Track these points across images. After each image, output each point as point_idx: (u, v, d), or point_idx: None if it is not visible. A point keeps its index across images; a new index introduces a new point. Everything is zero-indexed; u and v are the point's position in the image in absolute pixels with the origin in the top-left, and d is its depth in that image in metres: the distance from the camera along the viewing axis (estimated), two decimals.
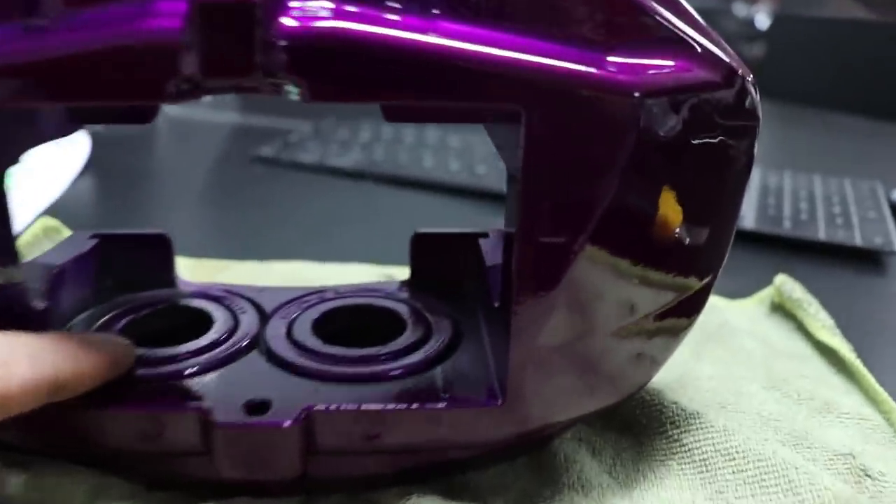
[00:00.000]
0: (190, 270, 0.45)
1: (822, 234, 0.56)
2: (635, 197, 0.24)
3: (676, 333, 0.30)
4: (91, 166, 0.65)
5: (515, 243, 0.23)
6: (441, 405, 0.26)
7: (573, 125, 0.22)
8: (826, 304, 0.44)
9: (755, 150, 0.27)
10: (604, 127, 0.22)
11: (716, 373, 0.37)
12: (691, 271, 0.28)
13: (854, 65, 1.12)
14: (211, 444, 0.25)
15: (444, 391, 0.27)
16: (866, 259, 0.55)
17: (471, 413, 0.26)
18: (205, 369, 0.28)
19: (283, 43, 0.21)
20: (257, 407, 0.25)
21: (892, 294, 0.51)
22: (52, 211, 0.55)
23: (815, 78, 1.21)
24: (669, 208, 0.26)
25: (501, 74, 0.21)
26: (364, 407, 0.25)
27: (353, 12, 0.21)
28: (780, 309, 0.44)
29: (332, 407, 0.25)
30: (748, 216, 0.58)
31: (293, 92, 0.21)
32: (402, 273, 0.45)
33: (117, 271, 0.33)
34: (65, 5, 0.22)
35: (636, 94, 0.22)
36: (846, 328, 0.42)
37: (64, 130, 0.30)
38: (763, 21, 1.66)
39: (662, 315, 0.28)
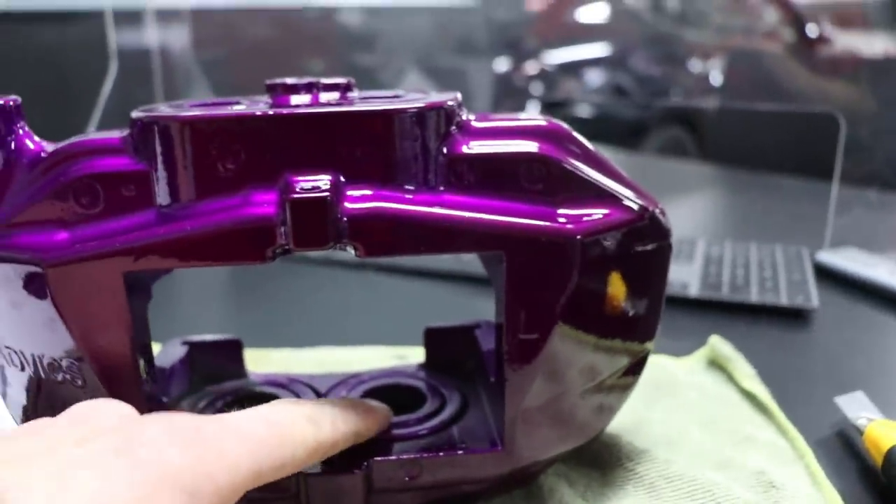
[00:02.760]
0: None
1: (754, 297, 0.67)
2: (588, 295, 0.35)
3: (627, 388, 0.40)
4: None
5: (503, 338, 0.34)
6: (460, 452, 0.37)
7: (538, 260, 0.33)
8: (756, 357, 0.54)
9: (671, 248, 0.38)
10: (558, 259, 0.34)
11: (663, 417, 0.48)
12: (635, 339, 0.38)
13: (788, 134, 1.25)
14: (300, 489, 0.35)
15: (460, 443, 0.38)
16: (791, 316, 0.65)
17: (479, 457, 0.37)
18: None
19: (345, 220, 0.32)
20: (331, 462, 0.36)
21: (811, 345, 0.61)
22: None
23: (759, 142, 1.34)
24: (616, 292, 0.37)
25: (490, 233, 0.33)
26: (406, 456, 0.36)
27: (386, 195, 0.33)
28: (714, 363, 0.55)
29: (384, 458, 0.36)
30: (693, 285, 0.69)
31: (353, 252, 0.32)
32: (411, 352, 0.56)
33: (203, 368, 0.44)
34: (188, 198, 0.33)
35: (578, 237, 0.34)
36: (772, 376, 0.52)
37: (169, 270, 0.40)
38: (716, 77, 1.81)
39: (617, 376, 0.39)
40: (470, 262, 0.76)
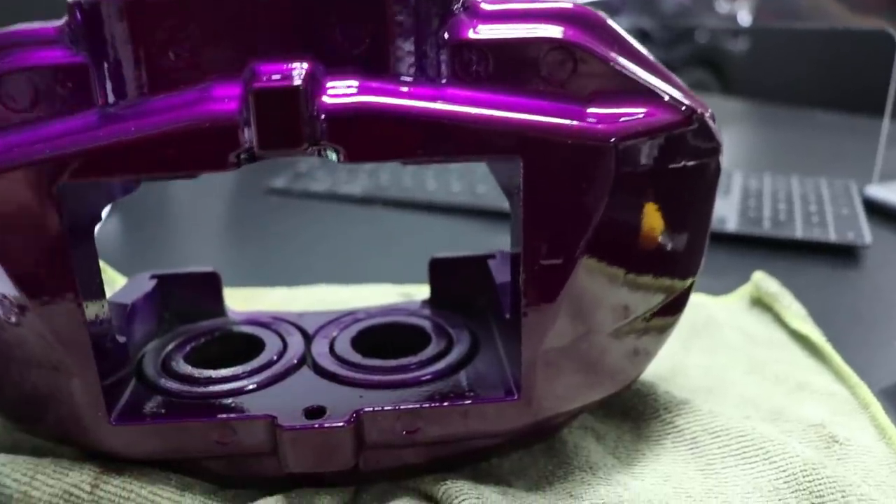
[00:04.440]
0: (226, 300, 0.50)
1: (799, 233, 0.61)
2: (621, 217, 0.29)
3: (664, 330, 0.34)
4: (114, 206, 0.70)
5: (521, 265, 0.28)
6: (468, 401, 0.31)
7: (562, 168, 0.27)
8: (803, 297, 0.49)
9: (720, 168, 0.32)
10: (587, 168, 0.27)
11: (702, 363, 0.42)
12: (675, 274, 0.32)
13: (830, 62, 1.17)
14: (278, 444, 0.30)
15: (469, 390, 0.32)
16: (841, 254, 0.59)
17: (492, 407, 0.31)
18: (264, 384, 0.33)
19: (323, 117, 0.26)
20: (315, 412, 0.30)
21: (864, 285, 0.55)
22: None
23: (795, 75, 1.26)
24: (652, 221, 0.31)
25: (502, 133, 0.26)
26: (403, 406, 0.30)
27: (375, 87, 0.26)
28: (759, 303, 0.49)
29: (377, 408, 0.30)
30: (731, 219, 0.63)
31: (332, 156, 0.26)
32: (418, 290, 0.50)
33: (175, 305, 0.39)
34: (135, 94, 0.27)
35: (612, 140, 0.27)
36: (822, 318, 0.47)
37: (126, 190, 0.35)
38: (745, 17, 1.72)
39: (652, 315, 0.33)
40: (485, 195, 0.70)
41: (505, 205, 0.67)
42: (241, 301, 0.51)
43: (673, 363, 0.42)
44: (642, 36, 2.15)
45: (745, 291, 0.50)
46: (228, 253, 0.66)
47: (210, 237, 0.69)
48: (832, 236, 0.60)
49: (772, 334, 0.46)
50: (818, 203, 0.67)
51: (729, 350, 0.44)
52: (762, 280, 0.49)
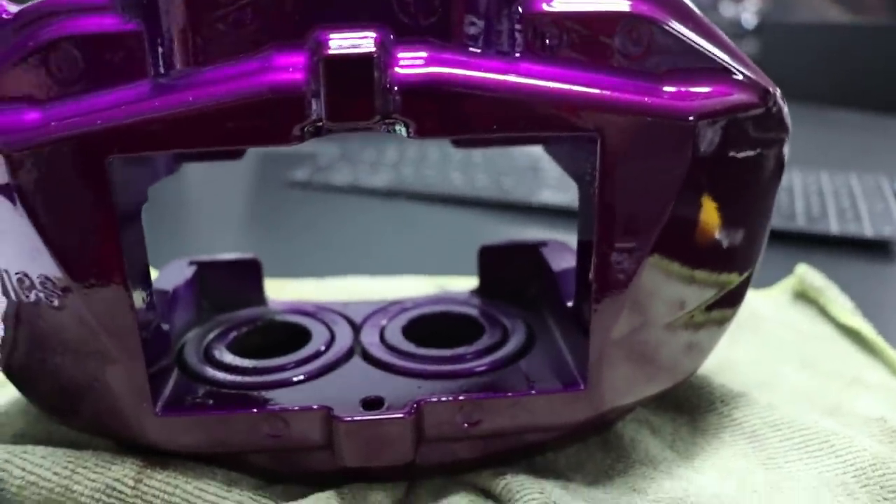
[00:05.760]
0: None
1: (834, 228, 0.59)
2: (687, 205, 0.28)
3: (721, 324, 0.33)
4: None
5: (594, 249, 0.27)
6: (533, 392, 0.29)
7: (640, 146, 0.26)
8: (844, 292, 0.48)
9: (785, 157, 0.31)
10: (665, 147, 0.26)
11: (751, 357, 0.41)
12: (732, 268, 0.31)
13: (846, 61, 1.16)
14: (333, 437, 0.28)
15: (529, 382, 0.30)
16: (877, 249, 0.58)
17: (557, 399, 0.29)
18: (314, 375, 0.32)
19: (395, 88, 0.24)
20: (373, 403, 0.29)
21: None
22: None
23: (809, 75, 1.25)
24: (711, 213, 0.29)
25: (579, 108, 0.25)
26: (465, 397, 0.29)
27: (448, 59, 0.25)
28: (803, 296, 0.48)
29: (439, 399, 0.28)
30: None
31: (402, 131, 0.25)
32: (453, 282, 0.49)
33: (214, 293, 0.37)
34: (191, 64, 0.26)
35: (691, 118, 0.26)
36: (866, 313, 0.45)
37: (172, 169, 0.33)
38: (749, 20, 1.71)
39: (709, 307, 0.32)
40: (512, 188, 0.69)
41: (531, 198, 0.66)
42: (272, 291, 0.49)
43: (720, 358, 0.40)
44: None
45: (788, 285, 0.49)
46: (250, 245, 0.64)
47: (231, 229, 0.68)
48: (868, 231, 0.59)
49: (819, 328, 0.45)
50: (851, 198, 0.66)
51: (777, 344, 0.43)
52: (806, 273, 0.48)
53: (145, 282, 0.29)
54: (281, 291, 0.50)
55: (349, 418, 0.28)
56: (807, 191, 0.67)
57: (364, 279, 0.52)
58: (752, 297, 0.48)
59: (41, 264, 0.27)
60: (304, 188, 0.74)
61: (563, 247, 0.38)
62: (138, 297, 0.28)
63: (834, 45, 1.17)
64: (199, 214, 0.72)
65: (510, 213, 0.66)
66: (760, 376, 0.39)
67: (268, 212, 0.71)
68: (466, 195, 0.69)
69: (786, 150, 0.30)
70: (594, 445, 0.33)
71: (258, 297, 0.38)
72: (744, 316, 0.45)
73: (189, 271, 0.36)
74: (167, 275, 0.36)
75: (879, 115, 1.02)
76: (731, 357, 0.41)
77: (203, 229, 0.68)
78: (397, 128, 0.25)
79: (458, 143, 0.37)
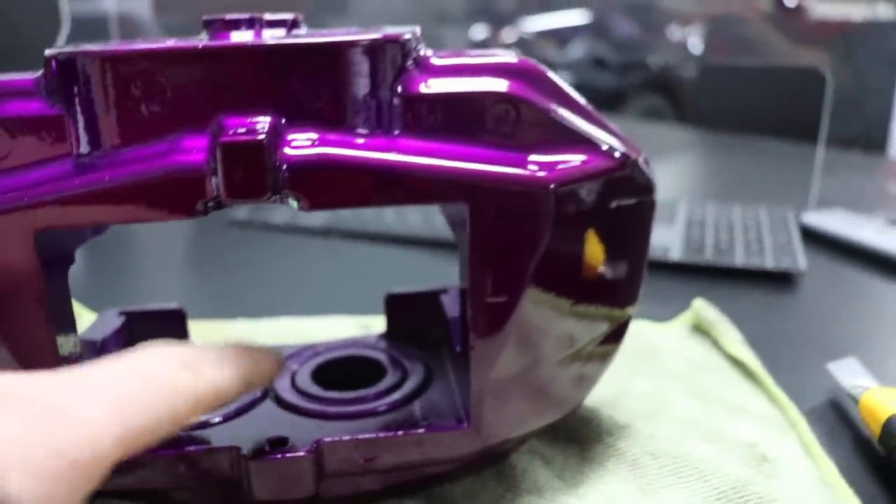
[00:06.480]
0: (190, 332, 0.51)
1: (739, 260, 0.64)
2: (563, 254, 0.31)
3: (607, 357, 0.37)
4: None
5: (468, 302, 0.31)
6: (421, 430, 0.33)
7: (506, 212, 0.29)
8: (742, 322, 0.51)
9: (654, 205, 0.34)
10: (529, 211, 0.30)
11: (645, 388, 0.45)
12: (615, 304, 0.35)
13: (774, 92, 1.21)
14: (243, 474, 0.31)
15: (422, 419, 0.34)
16: (778, 280, 0.62)
17: (445, 435, 0.33)
18: (229, 417, 0.35)
19: (284, 167, 0.28)
20: (277, 442, 0.32)
21: (799, 309, 0.58)
22: None
23: (741, 104, 1.30)
24: (592, 256, 0.33)
25: (450, 181, 0.29)
26: (361, 436, 0.32)
27: (332, 139, 0.29)
28: (699, 329, 0.52)
29: (336, 438, 0.32)
30: (675, 248, 0.66)
31: (294, 204, 0.28)
32: (376, 322, 0.52)
33: (143, 341, 0.40)
34: (109, 145, 0.29)
35: (551, 186, 0.30)
36: (759, 342, 0.49)
37: (97, 232, 0.36)
38: (696, 45, 1.76)
39: (596, 344, 0.35)
40: (442, 227, 0.72)
41: None
42: (204, 333, 0.52)
43: (616, 388, 0.44)
44: (597, 63, 2.20)
45: (686, 318, 0.53)
46: (191, 284, 0.67)
47: (173, 269, 0.71)
48: (769, 263, 0.63)
49: (711, 359, 0.49)
50: (757, 230, 0.70)
51: (671, 375, 0.46)
52: (701, 307, 0.52)
53: (70, 333, 0.32)
54: (214, 333, 0.53)
55: (256, 457, 0.31)
56: (718, 224, 0.72)
57: (294, 320, 0.55)
58: (653, 330, 0.52)
59: None
60: (244, 227, 0.77)
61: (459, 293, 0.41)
62: (64, 348, 0.31)
63: (765, 79, 1.23)
64: (142, 254, 0.74)
65: (440, 250, 0.70)
66: (651, 406, 0.43)
67: (208, 251, 0.74)
68: (399, 233, 0.72)
69: (653, 199, 0.34)
70: (488, 476, 0.37)
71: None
72: (644, 349, 0.49)
73: (118, 321, 0.39)
74: (98, 325, 0.39)
75: (801, 144, 1.07)
76: (627, 388, 0.45)
77: (145, 269, 0.71)
78: (290, 201, 0.28)
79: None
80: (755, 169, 1.03)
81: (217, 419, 0.34)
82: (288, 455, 0.31)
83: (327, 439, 0.32)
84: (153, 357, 0.26)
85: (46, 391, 0.21)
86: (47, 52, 0.29)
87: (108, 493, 0.33)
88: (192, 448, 0.32)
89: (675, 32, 1.84)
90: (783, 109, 1.19)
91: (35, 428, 0.20)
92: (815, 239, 0.72)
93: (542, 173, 0.30)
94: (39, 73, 0.30)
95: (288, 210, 0.78)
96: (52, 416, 0.21)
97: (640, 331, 0.51)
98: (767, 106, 1.23)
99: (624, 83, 2.07)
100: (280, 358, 0.32)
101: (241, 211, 0.79)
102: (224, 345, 0.29)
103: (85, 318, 0.53)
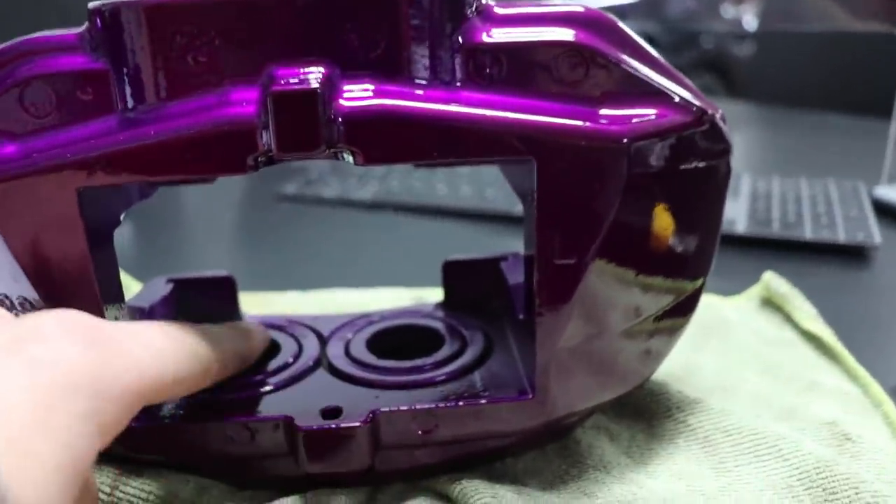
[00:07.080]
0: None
1: (808, 234, 0.61)
2: (632, 219, 0.29)
3: (675, 331, 0.35)
4: (128, 213, 0.71)
5: (535, 266, 0.29)
6: (483, 401, 0.31)
7: (575, 169, 0.27)
8: (814, 298, 0.49)
9: (731, 169, 0.32)
10: (600, 168, 0.28)
11: (714, 363, 0.42)
12: (685, 275, 0.33)
13: (838, 65, 1.17)
14: (295, 445, 0.30)
15: (483, 390, 0.32)
16: (850, 254, 0.59)
17: (507, 407, 0.31)
18: (281, 386, 0.33)
19: (340, 120, 0.26)
20: (331, 413, 0.30)
21: (873, 285, 0.55)
22: None
23: (801, 78, 1.26)
24: (663, 222, 0.31)
25: (516, 134, 0.27)
26: (419, 406, 0.30)
27: (390, 90, 0.27)
28: (769, 303, 0.49)
29: (393, 408, 0.30)
30: (740, 221, 0.63)
31: (349, 158, 0.27)
32: (431, 294, 0.50)
33: (191, 309, 0.39)
34: (155, 99, 0.27)
35: (624, 141, 0.28)
36: (832, 318, 0.47)
37: (146, 194, 0.35)
38: (750, 22, 1.71)
39: (663, 316, 0.33)
40: (496, 199, 0.71)
41: (514, 209, 0.68)
42: (254, 305, 0.51)
43: (685, 363, 0.42)
44: (648, 41, 2.16)
45: (755, 292, 0.50)
46: (240, 258, 0.66)
47: (222, 242, 0.70)
48: (841, 237, 0.60)
49: (783, 334, 0.46)
50: (827, 204, 0.67)
51: (741, 350, 0.44)
52: (772, 280, 0.50)
53: (118, 300, 0.31)
54: (264, 305, 0.51)
55: (308, 427, 0.30)
56: (785, 197, 0.69)
57: (345, 291, 0.53)
58: (722, 303, 0.50)
59: (20, 286, 0.29)
60: (294, 201, 0.75)
61: (522, 259, 0.39)
62: (111, 315, 0.30)
63: (829, 50, 1.18)
64: (191, 228, 0.74)
65: (493, 223, 0.68)
66: (721, 381, 0.41)
67: (257, 225, 0.73)
68: (451, 206, 0.70)
69: (729, 162, 0.32)
70: (552, 451, 0.35)
71: (233, 312, 0.40)
72: (712, 322, 0.47)
73: (166, 289, 0.38)
74: (146, 292, 0.38)
75: (869, 118, 1.03)
76: (695, 362, 0.42)
77: (194, 243, 0.70)
78: (345, 156, 0.27)
79: (418, 164, 0.39)
80: (820, 144, 0.99)
81: (268, 388, 0.33)
82: (343, 425, 0.30)
83: (384, 409, 0.30)
84: (175, 325, 0.28)
85: (107, 329, 0.24)
86: (91, 4, 0.28)
87: (157, 462, 0.32)
88: (242, 417, 0.31)
89: (728, 9, 1.79)
90: (848, 81, 1.14)
91: (100, 353, 0.23)
92: (888, 213, 0.68)
93: (614, 127, 0.28)
94: (84, 27, 0.28)
95: (338, 183, 0.77)
96: (113, 346, 0.23)
97: (707, 303, 0.48)
98: (830, 78, 1.19)
99: (676, 62, 2.03)
100: (267, 335, 0.36)
101: (291, 185, 0.78)
102: (214, 324, 0.32)
103: (132, 288, 0.52)
